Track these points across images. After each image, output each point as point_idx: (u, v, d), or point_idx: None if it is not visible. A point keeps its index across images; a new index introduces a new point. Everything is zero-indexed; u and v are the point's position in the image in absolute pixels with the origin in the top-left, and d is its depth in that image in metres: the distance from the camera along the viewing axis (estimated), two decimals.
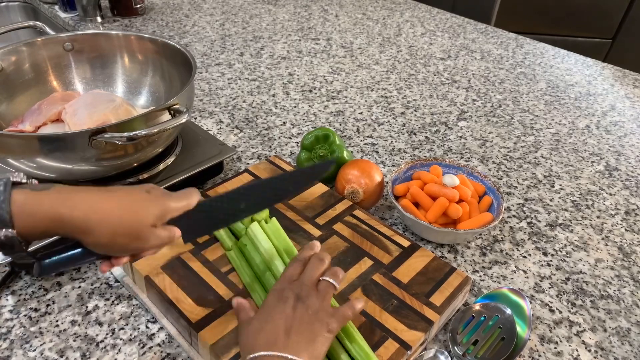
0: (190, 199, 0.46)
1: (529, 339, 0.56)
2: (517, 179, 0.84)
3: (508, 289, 0.59)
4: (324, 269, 0.48)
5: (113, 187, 0.44)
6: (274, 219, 0.59)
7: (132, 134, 0.56)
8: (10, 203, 0.36)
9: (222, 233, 0.59)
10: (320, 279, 0.47)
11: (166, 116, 0.62)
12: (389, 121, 0.97)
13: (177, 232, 0.45)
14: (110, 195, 0.41)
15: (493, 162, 0.88)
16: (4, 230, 0.36)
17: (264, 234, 0.56)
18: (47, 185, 0.39)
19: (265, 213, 0.60)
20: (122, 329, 0.54)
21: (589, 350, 0.56)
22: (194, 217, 0.46)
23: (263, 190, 0.51)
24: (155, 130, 0.57)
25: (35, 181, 0.40)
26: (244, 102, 1.00)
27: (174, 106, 0.62)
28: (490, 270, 0.65)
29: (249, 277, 0.54)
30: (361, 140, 0.90)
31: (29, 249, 0.39)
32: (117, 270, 0.59)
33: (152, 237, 0.42)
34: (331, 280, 0.47)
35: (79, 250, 0.41)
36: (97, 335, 0.53)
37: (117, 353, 0.51)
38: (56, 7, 1.39)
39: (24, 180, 0.39)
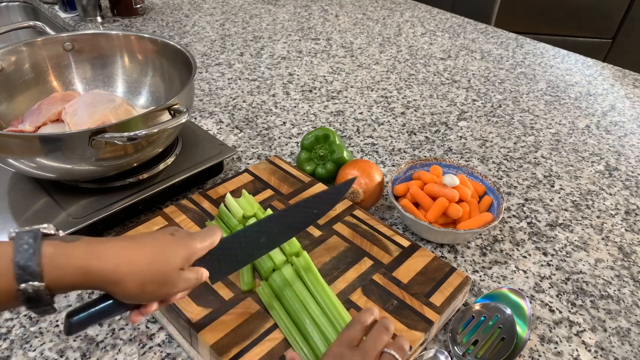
0: (214, 236, 0.44)
1: (529, 339, 0.56)
2: (517, 179, 0.84)
3: (508, 289, 0.59)
4: (388, 339, 0.44)
5: (139, 234, 0.43)
6: (304, 253, 0.57)
7: (132, 134, 0.56)
8: (41, 255, 0.35)
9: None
10: (384, 350, 0.43)
11: (166, 116, 0.62)
12: (389, 121, 0.97)
13: (204, 273, 0.43)
14: (136, 244, 0.40)
15: (493, 162, 0.88)
16: (32, 283, 0.34)
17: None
18: (75, 237, 0.38)
19: (297, 247, 0.57)
20: (122, 329, 0.54)
21: (589, 350, 0.56)
22: (218, 255, 0.45)
23: (281, 221, 0.49)
24: (155, 130, 0.57)
25: (62, 232, 0.39)
26: (244, 102, 1.00)
27: (174, 106, 0.62)
28: (490, 270, 0.65)
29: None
30: (361, 140, 0.90)
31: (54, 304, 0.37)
32: None
33: (181, 281, 0.41)
34: (396, 356, 0.42)
35: (107, 303, 0.40)
36: (97, 335, 0.53)
37: (117, 353, 0.51)
38: (56, 7, 1.39)
39: (52, 232, 0.37)
